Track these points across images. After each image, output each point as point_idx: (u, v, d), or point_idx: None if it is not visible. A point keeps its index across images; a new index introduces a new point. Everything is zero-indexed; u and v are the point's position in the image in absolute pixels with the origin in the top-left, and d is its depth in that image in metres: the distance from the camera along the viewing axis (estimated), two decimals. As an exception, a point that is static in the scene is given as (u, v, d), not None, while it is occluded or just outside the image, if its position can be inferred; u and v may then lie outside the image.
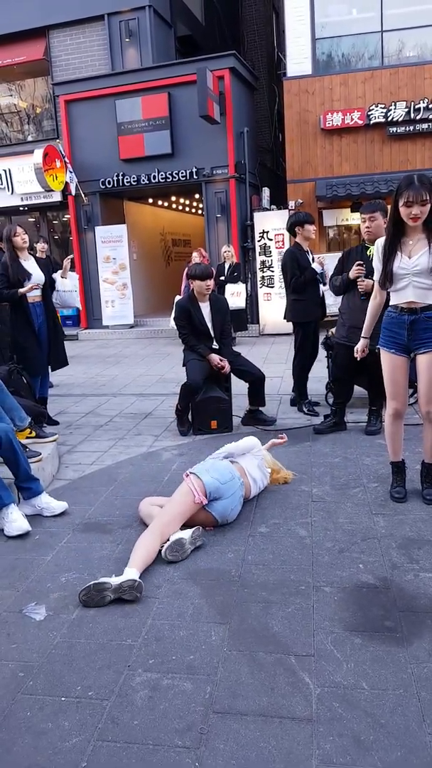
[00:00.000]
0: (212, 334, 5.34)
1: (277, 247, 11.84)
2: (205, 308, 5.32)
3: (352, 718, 1.96)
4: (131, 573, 2.75)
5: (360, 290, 4.72)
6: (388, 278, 3.42)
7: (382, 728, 1.92)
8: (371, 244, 4.72)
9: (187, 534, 3.12)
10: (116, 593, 2.66)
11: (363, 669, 2.19)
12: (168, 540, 3.08)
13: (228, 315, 5.48)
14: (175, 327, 5.73)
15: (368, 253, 4.71)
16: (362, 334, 3.92)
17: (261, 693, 2.09)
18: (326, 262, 5.69)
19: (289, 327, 12.11)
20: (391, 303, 3.56)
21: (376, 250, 3.54)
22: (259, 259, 12.08)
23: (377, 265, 3.53)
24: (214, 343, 5.36)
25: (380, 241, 3.51)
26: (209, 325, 5.32)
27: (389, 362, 3.61)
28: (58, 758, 1.86)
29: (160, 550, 3.02)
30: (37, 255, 9.52)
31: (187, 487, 3.32)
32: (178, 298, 10.60)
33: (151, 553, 2.96)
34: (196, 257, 10.08)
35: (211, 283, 5.25)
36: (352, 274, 4.83)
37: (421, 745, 1.84)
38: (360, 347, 3.93)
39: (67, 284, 5.77)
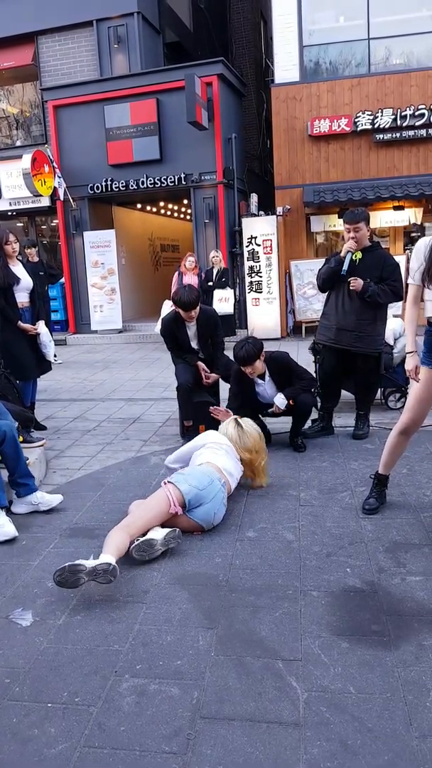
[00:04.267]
0: (197, 351, 5.29)
1: (265, 253, 11.87)
2: (191, 327, 5.21)
3: (339, 722, 1.96)
4: (106, 557, 2.75)
5: (352, 287, 4.69)
6: None
7: (370, 732, 1.91)
8: (357, 250, 4.77)
9: (159, 535, 3.09)
10: (90, 576, 2.67)
11: (350, 673, 2.19)
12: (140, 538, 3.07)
13: (219, 327, 5.35)
14: (159, 333, 5.67)
15: (354, 257, 4.74)
16: (408, 350, 3.29)
17: (248, 698, 2.08)
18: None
19: (277, 332, 12.12)
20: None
21: (418, 250, 3.21)
22: (247, 264, 12.10)
23: (418, 264, 3.20)
24: (200, 354, 5.32)
25: (425, 241, 3.21)
26: (193, 343, 5.25)
27: (428, 381, 3.26)
28: (44, 765, 1.84)
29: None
30: (29, 259, 9.52)
31: (164, 494, 3.27)
32: (166, 302, 10.65)
33: (122, 547, 2.93)
34: (191, 261, 10.15)
35: (194, 314, 5.05)
36: (345, 249, 4.66)
37: (408, 749, 1.84)
38: (412, 366, 3.26)
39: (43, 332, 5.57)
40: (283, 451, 4.76)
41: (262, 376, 4.69)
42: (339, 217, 12.18)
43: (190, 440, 4.90)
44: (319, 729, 1.93)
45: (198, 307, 5.06)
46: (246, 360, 4.50)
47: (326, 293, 5.06)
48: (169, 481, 3.39)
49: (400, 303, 9.98)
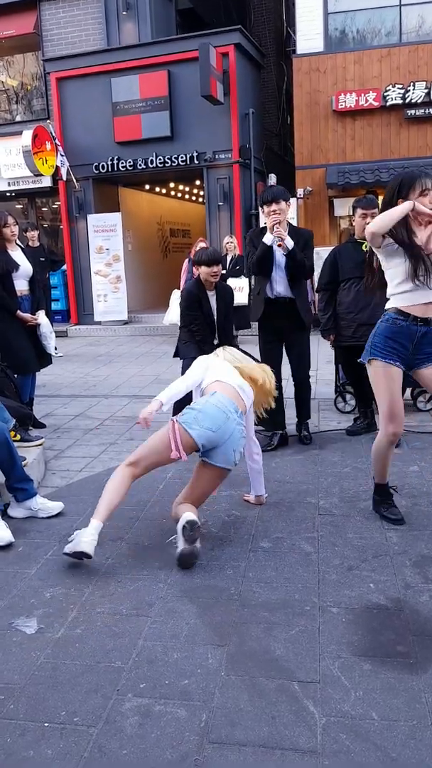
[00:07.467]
0: (216, 327, 5.30)
1: (284, 239, 11.86)
2: (212, 297, 5.23)
3: (360, 750, 1.95)
4: (91, 531, 3.15)
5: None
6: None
7: (393, 762, 1.90)
8: (363, 240, 4.84)
9: (193, 515, 3.12)
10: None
11: (373, 697, 2.18)
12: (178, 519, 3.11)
13: (232, 303, 5.44)
14: (170, 323, 5.67)
15: (363, 248, 4.82)
16: None
17: (261, 722, 2.08)
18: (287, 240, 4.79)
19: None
20: (396, 307, 3.37)
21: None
22: (264, 251, 12.08)
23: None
24: (216, 337, 5.33)
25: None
26: (215, 316, 5.28)
27: (389, 377, 3.36)
28: (39, 790, 1.85)
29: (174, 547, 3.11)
30: (29, 243, 9.57)
31: (167, 437, 3.19)
32: (175, 292, 10.64)
33: (120, 497, 3.28)
34: (202, 247, 10.07)
35: (218, 269, 5.12)
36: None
37: (435, 781, 1.84)
38: None
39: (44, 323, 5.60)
40: (301, 455, 4.75)
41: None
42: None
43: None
44: (339, 758, 1.93)
45: (219, 265, 5.21)
46: (275, 196, 4.67)
47: (338, 293, 5.20)
48: (178, 422, 3.23)
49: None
